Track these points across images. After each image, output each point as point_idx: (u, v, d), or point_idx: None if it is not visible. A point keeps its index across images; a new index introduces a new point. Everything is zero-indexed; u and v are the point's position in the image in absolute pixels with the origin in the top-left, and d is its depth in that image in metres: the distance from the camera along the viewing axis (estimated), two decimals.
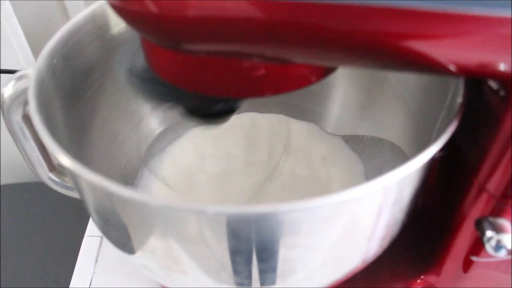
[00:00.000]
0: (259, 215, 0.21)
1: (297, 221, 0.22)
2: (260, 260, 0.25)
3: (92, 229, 0.48)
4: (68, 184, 0.40)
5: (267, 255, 0.24)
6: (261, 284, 0.28)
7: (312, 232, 0.24)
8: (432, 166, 0.32)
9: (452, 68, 0.21)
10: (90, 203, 0.28)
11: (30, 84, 0.29)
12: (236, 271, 0.26)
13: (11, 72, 0.41)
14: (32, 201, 0.85)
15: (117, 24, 0.37)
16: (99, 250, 0.47)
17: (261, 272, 0.26)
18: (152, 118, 0.45)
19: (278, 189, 0.43)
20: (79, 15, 0.35)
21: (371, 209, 0.25)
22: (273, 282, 0.28)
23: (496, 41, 0.20)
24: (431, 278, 0.37)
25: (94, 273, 0.45)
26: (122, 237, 0.28)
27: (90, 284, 0.44)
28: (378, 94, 0.41)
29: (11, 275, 0.73)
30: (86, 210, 0.31)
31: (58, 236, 0.78)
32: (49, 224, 0.80)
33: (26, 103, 0.33)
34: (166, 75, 0.26)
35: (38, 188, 0.85)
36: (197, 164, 0.46)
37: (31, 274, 0.73)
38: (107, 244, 0.47)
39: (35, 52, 0.79)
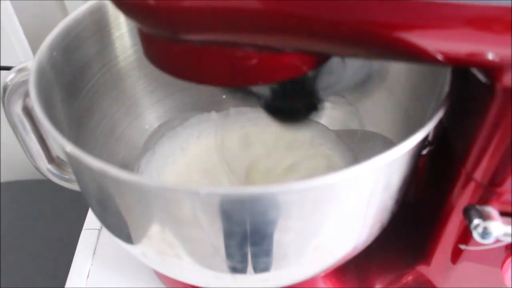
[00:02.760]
0: (251, 196, 0.22)
1: (289, 203, 0.23)
2: (252, 243, 0.25)
3: (90, 222, 0.49)
4: (67, 176, 0.41)
5: (259, 238, 0.25)
6: (255, 270, 0.28)
7: (303, 215, 0.24)
8: (423, 161, 0.33)
9: (439, 57, 0.22)
10: (89, 189, 0.29)
11: (30, 75, 0.30)
12: (228, 255, 0.26)
13: (9, 69, 0.42)
14: (31, 198, 0.85)
15: (116, 19, 0.38)
16: (97, 242, 0.47)
17: (254, 256, 0.27)
18: (151, 112, 0.46)
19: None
20: (78, 9, 0.35)
21: (361, 193, 0.25)
22: (267, 269, 0.28)
23: (483, 30, 0.21)
24: (422, 268, 0.38)
25: (92, 265, 0.46)
26: (119, 224, 0.29)
27: (88, 275, 0.45)
28: (370, 87, 0.41)
29: (10, 269, 0.74)
30: (85, 198, 0.32)
31: (56, 232, 0.78)
32: (48, 220, 0.80)
33: (26, 95, 0.34)
34: (162, 65, 0.27)
35: (37, 185, 0.86)
36: (193, 160, 0.46)
37: (29, 267, 0.74)
38: (104, 236, 0.48)
39: (35, 50, 0.79)
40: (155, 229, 0.27)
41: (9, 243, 0.77)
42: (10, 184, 0.88)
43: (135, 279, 0.44)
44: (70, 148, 0.24)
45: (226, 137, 0.47)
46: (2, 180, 0.89)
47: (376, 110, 0.42)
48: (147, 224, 0.27)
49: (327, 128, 0.47)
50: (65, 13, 0.81)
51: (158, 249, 0.28)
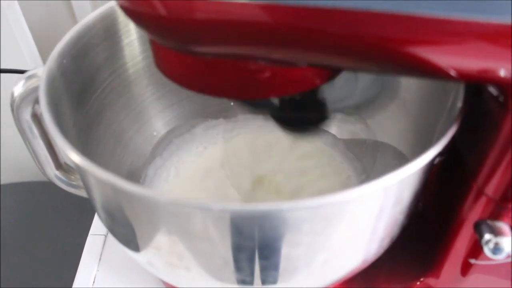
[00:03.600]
0: (262, 213, 0.22)
1: (299, 219, 0.23)
2: (262, 257, 0.25)
3: (96, 227, 0.49)
4: (74, 183, 0.41)
5: (269, 253, 0.25)
6: (263, 282, 0.28)
7: (313, 231, 0.24)
8: (432, 171, 0.33)
9: (452, 73, 0.22)
10: (97, 199, 0.29)
11: (41, 82, 0.30)
12: (238, 268, 0.26)
13: (19, 72, 0.42)
14: (33, 201, 0.85)
15: (126, 26, 0.38)
16: (103, 248, 0.47)
17: (263, 269, 0.26)
18: (158, 119, 0.45)
19: (275, 194, 0.43)
20: (88, 16, 0.35)
21: (372, 209, 0.25)
22: (275, 281, 0.28)
23: (496, 47, 0.21)
24: (431, 281, 0.37)
25: (98, 271, 0.45)
26: (128, 234, 0.29)
27: (93, 281, 0.45)
28: (380, 98, 0.41)
29: (14, 273, 0.74)
30: (93, 207, 0.32)
31: (59, 235, 0.78)
32: (51, 223, 0.80)
33: (35, 101, 0.34)
34: (173, 76, 0.27)
35: (39, 187, 0.86)
36: (200, 168, 0.46)
37: (33, 273, 0.74)
38: (111, 242, 0.48)
39: (42, 53, 0.80)
40: (164, 241, 0.26)
41: (13, 247, 0.77)
42: (13, 186, 0.88)
43: (141, 286, 0.44)
44: (78, 159, 0.24)
45: (234, 145, 0.47)
46: (3, 182, 0.89)
47: (386, 121, 0.42)
48: (156, 236, 0.26)
49: (336, 137, 0.46)
50: (72, 15, 0.81)
51: (166, 260, 0.28)
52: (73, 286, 0.44)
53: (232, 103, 0.48)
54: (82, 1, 0.80)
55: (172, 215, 0.24)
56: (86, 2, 0.79)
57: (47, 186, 0.82)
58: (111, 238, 0.48)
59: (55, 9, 0.81)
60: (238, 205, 0.21)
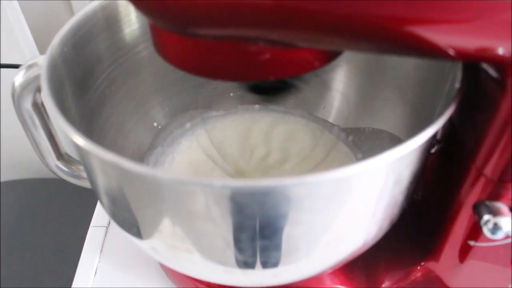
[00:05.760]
0: (264, 189, 0.22)
1: (300, 196, 0.23)
2: (263, 237, 0.25)
3: (97, 219, 0.49)
4: (75, 173, 0.41)
5: (270, 232, 0.25)
6: (264, 265, 0.28)
7: (314, 209, 0.24)
8: (432, 158, 0.33)
9: (451, 52, 0.22)
10: (100, 184, 0.29)
11: (42, 69, 0.30)
12: (239, 249, 0.27)
13: (15, 66, 0.42)
14: (33, 197, 0.85)
15: (127, 15, 0.38)
16: (104, 239, 0.48)
17: (264, 250, 0.27)
18: (159, 110, 0.46)
19: None
20: (89, 5, 0.35)
21: (372, 188, 0.25)
22: (276, 264, 0.28)
23: (495, 25, 0.21)
24: (431, 265, 0.38)
25: (99, 262, 0.46)
26: (130, 218, 0.29)
27: (95, 273, 0.45)
28: (378, 85, 0.41)
29: (13, 270, 0.74)
30: (95, 193, 0.32)
31: (59, 231, 0.79)
32: (51, 220, 0.81)
33: (36, 90, 0.34)
34: (174, 60, 0.27)
35: (38, 184, 0.86)
36: (200, 158, 0.46)
37: (34, 269, 0.74)
38: (112, 233, 0.48)
39: (41, 48, 0.80)
40: (166, 223, 0.27)
41: (14, 243, 0.77)
42: (13, 183, 0.88)
43: (143, 276, 0.44)
44: (82, 142, 0.25)
45: (232, 135, 0.48)
46: (2, 180, 0.89)
47: (385, 108, 0.42)
48: (158, 218, 0.27)
49: (335, 126, 0.47)
50: (71, 12, 0.82)
51: (169, 243, 0.29)
52: (75, 277, 0.45)
53: (231, 94, 0.48)
54: (80, 0, 0.80)
55: (173, 193, 0.24)
56: (85, 1, 0.79)
57: (46, 183, 0.83)
58: (112, 230, 0.48)
59: (54, 5, 0.81)
60: (239, 181, 0.21)
